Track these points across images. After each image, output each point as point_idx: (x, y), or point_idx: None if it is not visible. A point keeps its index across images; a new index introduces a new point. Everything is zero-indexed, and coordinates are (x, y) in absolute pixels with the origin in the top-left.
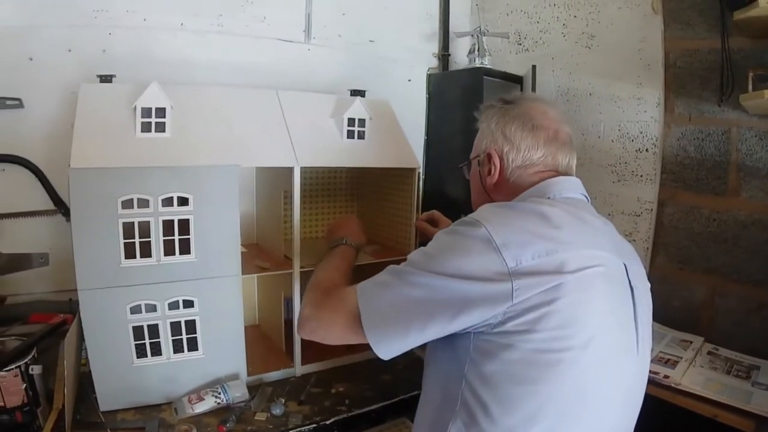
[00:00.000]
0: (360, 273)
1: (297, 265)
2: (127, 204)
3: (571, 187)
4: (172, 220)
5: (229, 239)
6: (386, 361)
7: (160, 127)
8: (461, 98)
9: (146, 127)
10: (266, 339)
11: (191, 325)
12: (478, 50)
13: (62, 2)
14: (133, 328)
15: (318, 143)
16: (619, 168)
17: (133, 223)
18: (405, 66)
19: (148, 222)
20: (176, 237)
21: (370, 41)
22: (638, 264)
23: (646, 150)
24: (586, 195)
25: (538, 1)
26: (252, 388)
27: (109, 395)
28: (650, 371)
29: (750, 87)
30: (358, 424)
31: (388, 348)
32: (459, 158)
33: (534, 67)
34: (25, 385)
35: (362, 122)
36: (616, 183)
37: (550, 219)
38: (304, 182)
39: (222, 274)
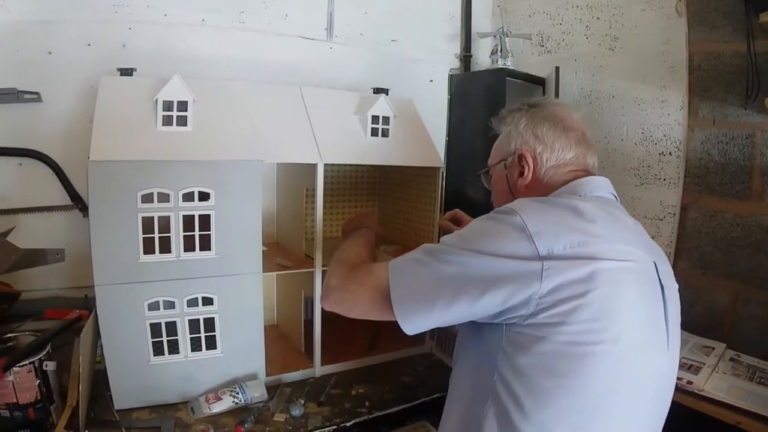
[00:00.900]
0: None
1: (319, 263)
2: (147, 198)
3: (602, 185)
4: (193, 215)
5: (251, 236)
6: (406, 362)
7: (182, 121)
8: (484, 99)
9: (167, 121)
10: (285, 339)
11: (210, 323)
12: (501, 51)
13: None
14: (151, 325)
15: (341, 140)
16: (642, 171)
17: (152, 217)
18: (427, 66)
19: (168, 217)
20: (197, 232)
21: (392, 41)
22: (667, 264)
23: (670, 153)
24: (616, 194)
25: (560, 2)
26: (270, 389)
27: (124, 393)
28: None
29: None
30: (378, 426)
31: (414, 323)
32: (481, 159)
33: (557, 68)
34: (38, 381)
35: (386, 120)
36: (638, 186)
37: (583, 213)
38: (325, 180)
39: (243, 271)
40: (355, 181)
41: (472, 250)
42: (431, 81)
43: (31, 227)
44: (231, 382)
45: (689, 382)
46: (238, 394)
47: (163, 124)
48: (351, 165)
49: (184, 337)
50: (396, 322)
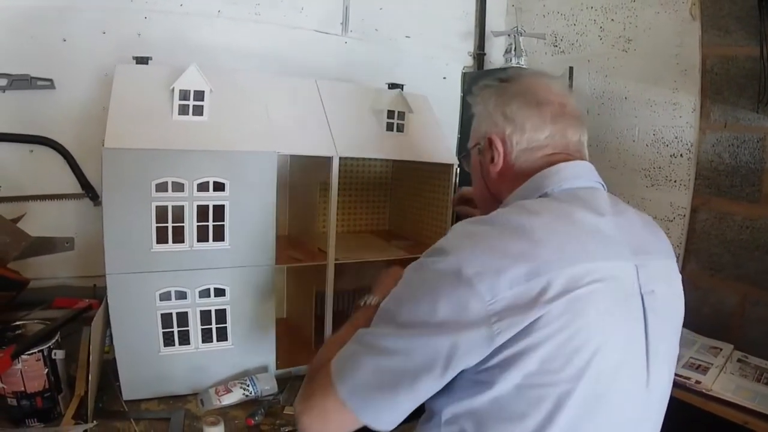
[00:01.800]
0: None
1: (332, 257)
2: (162, 187)
3: (579, 173)
4: (207, 206)
5: (265, 228)
6: None
7: (198, 111)
8: None
9: (183, 110)
10: (294, 333)
11: (221, 315)
12: (515, 50)
13: None
14: (162, 315)
15: (357, 134)
16: (653, 173)
17: (166, 206)
18: (440, 63)
19: (182, 206)
20: (210, 223)
21: (407, 37)
22: (661, 260)
23: (681, 155)
24: (602, 182)
25: (575, 3)
26: (281, 382)
27: (133, 384)
28: (682, 376)
29: None
30: None
31: (387, 420)
32: None
33: (571, 68)
34: (47, 370)
35: (402, 115)
36: (649, 188)
37: (531, 233)
38: (338, 173)
39: (256, 263)
40: (366, 175)
41: (408, 327)
42: (444, 78)
43: (41, 215)
44: (241, 374)
45: (697, 382)
46: (248, 386)
47: (179, 114)
48: (363, 159)
49: (195, 328)
50: None
